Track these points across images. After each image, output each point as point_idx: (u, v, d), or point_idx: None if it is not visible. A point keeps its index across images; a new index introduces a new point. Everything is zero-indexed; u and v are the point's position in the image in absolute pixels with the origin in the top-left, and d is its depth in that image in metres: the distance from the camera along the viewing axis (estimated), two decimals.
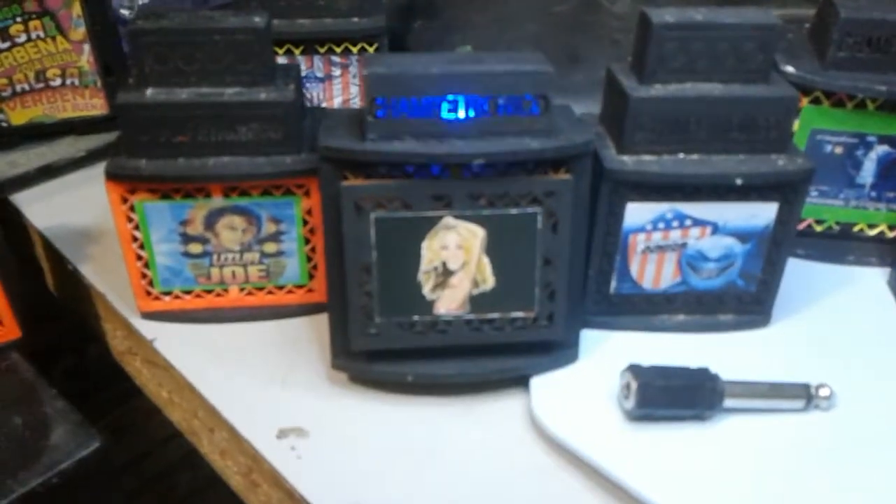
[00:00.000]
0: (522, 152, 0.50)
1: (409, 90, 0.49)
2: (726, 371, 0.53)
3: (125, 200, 0.57)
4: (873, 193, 0.67)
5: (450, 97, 0.49)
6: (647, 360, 0.53)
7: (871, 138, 0.64)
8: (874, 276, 0.67)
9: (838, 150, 0.65)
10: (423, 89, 0.49)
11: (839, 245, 0.69)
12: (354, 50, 0.77)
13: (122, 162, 0.56)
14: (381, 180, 0.51)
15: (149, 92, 0.55)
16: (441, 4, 0.86)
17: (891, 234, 0.68)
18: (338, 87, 0.79)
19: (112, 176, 0.56)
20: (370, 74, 0.49)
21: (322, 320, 0.60)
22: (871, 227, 0.69)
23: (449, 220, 0.51)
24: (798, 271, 0.67)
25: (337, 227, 0.51)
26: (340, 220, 0.51)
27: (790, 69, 0.62)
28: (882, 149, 0.65)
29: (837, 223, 0.69)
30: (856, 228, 0.69)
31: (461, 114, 0.50)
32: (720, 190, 0.55)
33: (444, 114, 0.50)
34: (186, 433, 0.63)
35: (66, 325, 0.87)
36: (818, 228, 0.69)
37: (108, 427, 1.23)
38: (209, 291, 0.62)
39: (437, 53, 0.52)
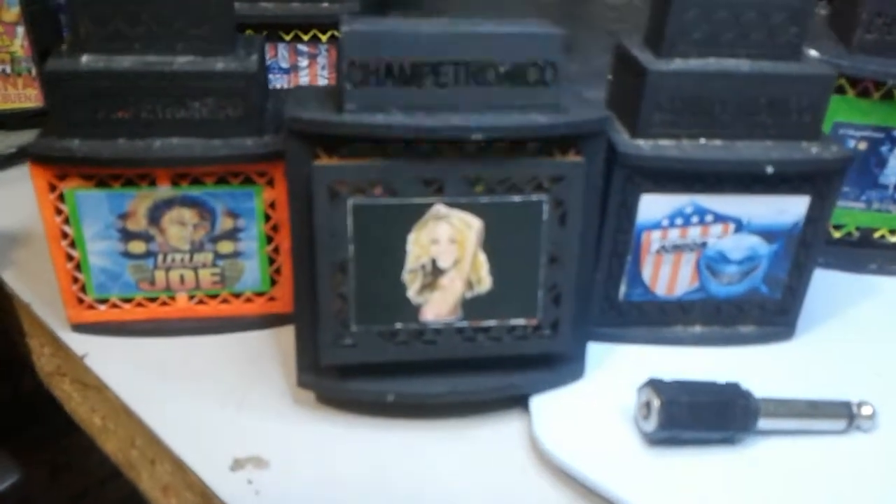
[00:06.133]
0: (527, 128, 0.43)
1: (395, 52, 0.42)
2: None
3: (53, 188, 0.49)
4: None
5: (443, 62, 0.42)
6: (661, 377, 0.46)
7: None
8: None
9: (862, 145, 0.60)
10: (411, 52, 0.42)
11: (859, 253, 0.64)
12: (324, 38, 0.71)
13: (50, 142, 0.49)
14: (360, 160, 0.43)
15: (84, 59, 0.48)
16: None
17: None
18: (304, 78, 0.72)
19: (38, 158, 0.48)
20: (349, 33, 0.41)
21: (285, 334, 0.53)
22: (894, 232, 0.63)
23: (440, 208, 0.44)
24: (816, 281, 0.61)
25: (307, 217, 0.44)
26: (311, 207, 0.43)
27: (813, 52, 0.56)
28: None
29: (858, 228, 0.63)
30: (877, 234, 0.63)
31: (456, 82, 0.43)
32: (746, 180, 0.49)
33: (436, 82, 0.42)
34: (123, 467, 0.55)
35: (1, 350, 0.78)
36: (836, 234, 0.64)
37: (47, 464, 1.13)
38: (153, 299, 0.54)
39: (425, 20, 0.44)
